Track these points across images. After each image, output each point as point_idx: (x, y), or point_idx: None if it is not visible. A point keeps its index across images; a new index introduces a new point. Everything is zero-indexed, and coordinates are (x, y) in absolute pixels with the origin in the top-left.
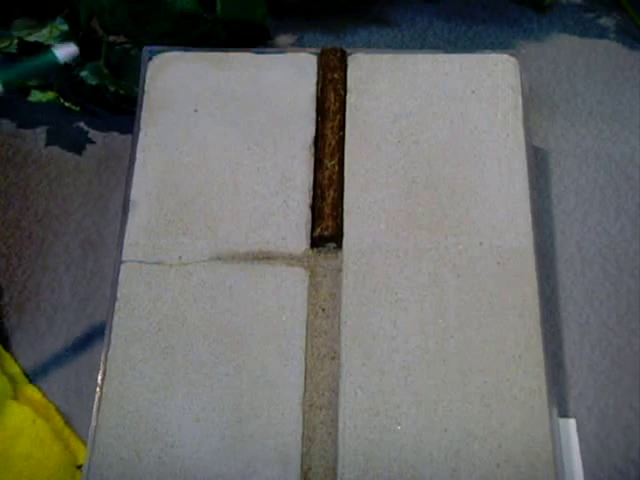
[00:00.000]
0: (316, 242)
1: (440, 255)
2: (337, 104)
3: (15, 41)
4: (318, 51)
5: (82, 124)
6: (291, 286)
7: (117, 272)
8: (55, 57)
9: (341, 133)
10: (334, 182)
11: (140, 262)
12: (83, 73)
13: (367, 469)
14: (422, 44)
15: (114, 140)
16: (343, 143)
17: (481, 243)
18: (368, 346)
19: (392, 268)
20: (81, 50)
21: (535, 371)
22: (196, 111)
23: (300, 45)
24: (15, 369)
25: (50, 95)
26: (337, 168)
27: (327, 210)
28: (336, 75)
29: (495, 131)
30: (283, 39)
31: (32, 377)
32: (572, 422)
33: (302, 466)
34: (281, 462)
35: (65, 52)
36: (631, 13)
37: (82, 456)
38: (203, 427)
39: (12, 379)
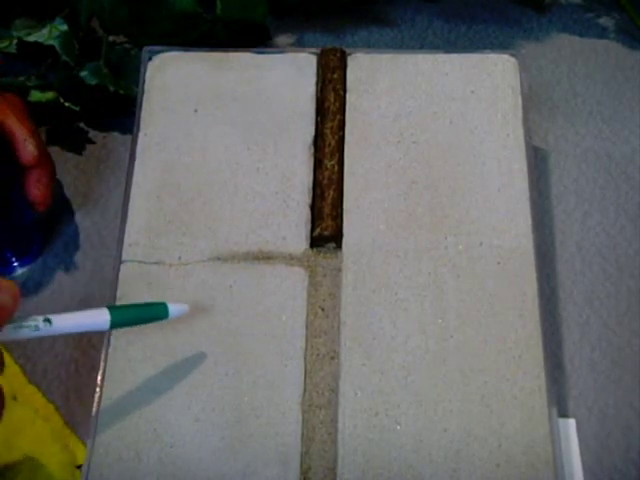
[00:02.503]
0: (316, 242)
1: (440, 255)
2: (337, 104)
3: (15, 41)
4: (318, 51)
5: (82, 124)
6: (291, 286)
7: (117, 272)
8: (166, 313)
9: (341, 133)
10: (334, 182)
11: (140, 262)
12: (83, 73)
13: (367, 469)
14: (422, 44)
15: (114, 140)
16: (343, 143)
17: (481, 243)
18: (368, 346)
19: (392, 268)
20: (81, 50)
21: (535, 371)
22: (196, 111)
23: (300, 45)
24: (15, 369)
25: (50, 95)
26: (337, 168)
27: (327, 210)
28: (336, 75)
29: (495, 131)
30: (283, 39)
31: (32, 377)
32: (572, 422)
33: (302, 466)
34: (281, 462)
35: (177, 310)
36: (631, 13)
37: (82, 456)
38: (203, 427)
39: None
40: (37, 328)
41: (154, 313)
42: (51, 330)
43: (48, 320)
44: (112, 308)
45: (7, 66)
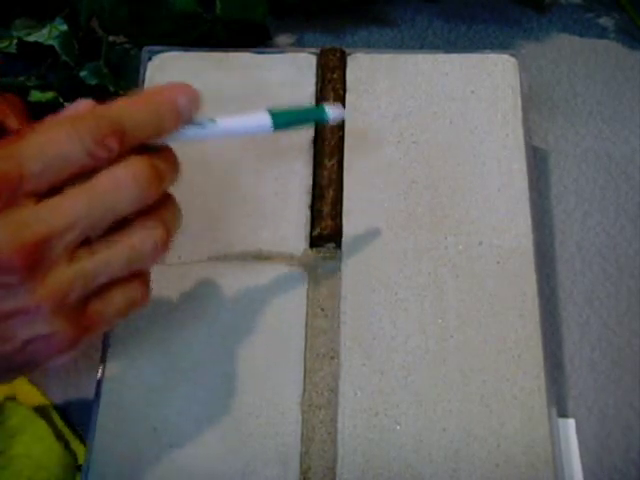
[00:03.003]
0: (315, 242)
1: (440, 255)
2: (337, 104)
3: (15, 41)
4: (318, 51)
5: None
6: (290, 286)
7: None
8: (325, 115)
9: (340, 133)
10: (333, 182)
11: None
12: (83, 73)
13: (366, 469)
14: (422, 44)
15: None
16: (342, 143)
17: (481, 243)
18: (368, 346)
19: (392, 268)
20: (81, 50)
21: (535, 371)
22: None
23: (300, 45)
24: None
25: (50, 95)
26: (336, 168)
27: (326, 210)
28: (335, 75)
29: (495, 131)
30: (283, 39)
31: (31, 376)
32: (571, 422)
33: (301, 466)
34: (280, 462)
35: (336, 113)
36: (631, 13)
37: (82, 456)
38: (203, 427)
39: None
40: (203, 126)
41: (314, 115)
42: (216, 129)
43: (212, 120)
44: (273, 112)
45: (7, 66)
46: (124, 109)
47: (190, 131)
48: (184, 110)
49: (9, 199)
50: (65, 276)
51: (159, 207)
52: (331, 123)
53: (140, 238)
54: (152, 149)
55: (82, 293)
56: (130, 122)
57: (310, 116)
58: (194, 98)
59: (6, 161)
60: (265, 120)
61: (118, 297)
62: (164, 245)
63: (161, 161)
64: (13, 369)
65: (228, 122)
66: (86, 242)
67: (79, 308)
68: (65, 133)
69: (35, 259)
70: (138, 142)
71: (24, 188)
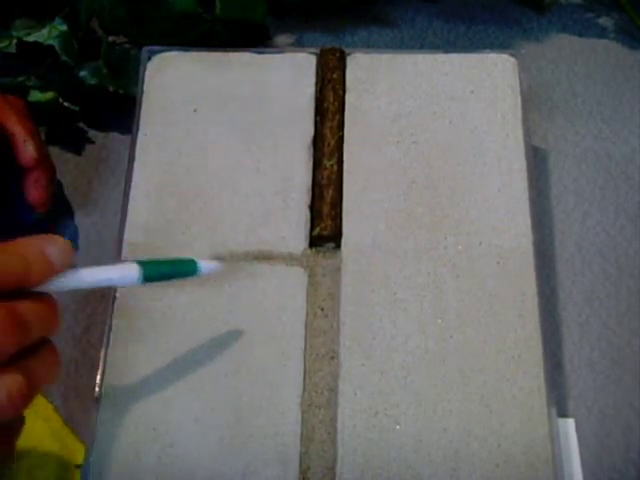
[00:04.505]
0: (315, 242)
1: (439, 255)
2: (336, 104)
3: (15, 41)
4: (317, 51)
5: (82, 124)
6: (290, 286)
7: None
8: (196, 269)
9: (340, 133)
10: (333, 182)
11: None
12: (82, 73)
13: (366, 469)
14: (422, 44)
15: (114, 140)
16: (342, 143)
17: (480, 243)
18: (367, 346)
19: (391, 268)
20: (80, 50)
21: (534, 371)
22: (195, 111)
23: (300, 45)
24: None
25: (50, 95)
26: (336, 168)
27: (326, 210)
28: (335, 75)
29: (494, 131)
30: (283, 39)
31: None
32: (571, 422)
33: (301, 465)
34: (280, 462)
35: (209, 268)
36: (631, 13)
37: (81, 456)
38: (203, 427)
39: None
40: (67, 277)
41: (184, 269)
42: (83, 280)
43: (75, 271)
44: (143, 263)
45: (7, 66)
46: None
47: (55, 283)
48: (55, 260)
49: None
50: None
51: (25, 355)
52: (203, 275)
53: None
54: (28, 294)
55: None
56: None
57: (181, 269)
58: (67, 249)
59: None
60: (133, 271)
61: None
62: (22, 398)
63: (32, 308)
64: None
65: (94, 273)
66: None
67: None
68: None
69: None
70: (2, 289)
71: None
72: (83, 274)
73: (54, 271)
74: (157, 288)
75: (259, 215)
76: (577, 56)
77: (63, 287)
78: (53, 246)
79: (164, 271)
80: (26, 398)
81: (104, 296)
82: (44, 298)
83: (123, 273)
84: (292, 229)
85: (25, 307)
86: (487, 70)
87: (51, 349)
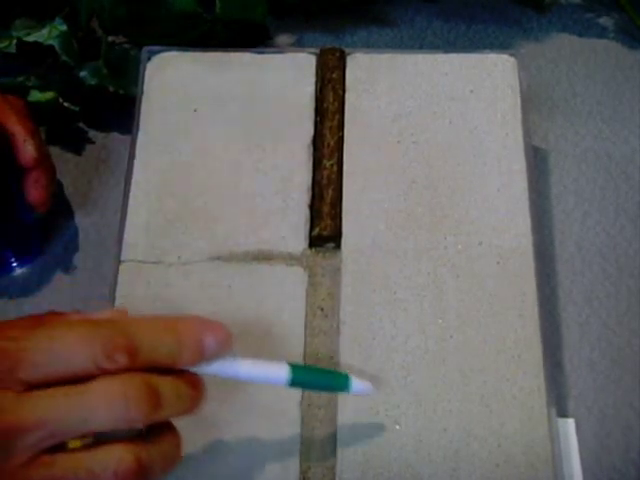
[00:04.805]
0: (315, 242)
1: (439, 255)
2: (336, 104)
3: (15, 41)
4: (317, 51)
5: (82, 124)
6: (290, 286)
7: (116, 272)
8: (348, 386)
9: (340, 133)
10: (333, 182)
11: (139, 262)
12: (82, 73)
13: (366, 469)
14: (421, 44)
15: (114, 140)
16: (342, 143)
17: (480, 243)
18: (367, 346)
19: (391, 268)
20: (80, 50)
21: (534, 371)
22: (195, 111)
23: (300, 45)
24: None
25: (50, 95)
26: (336, 168)
27: (326, 210)
28: (335, 75)
29: (494, 131)
30: (283, 39)
31: None
32: (571, 422)
33: (301, 465)
34: (280, 462)
35: (361, 388)
36: (631, 13)
37: None
38: (203, 427)
39: None
40: (224, 366)
41: (334, 383)
42: (234, 372)
43: (234, 360)
44: (294, 367)
45: (7, 66)
46: (145, 328)
47: (209, 368)
48: (209, 350)
49: (0, 377)
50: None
51: (147, 436)
52: (352, 394)
53: (102, 462)
54: (175, 370)
55: None
56: (147, 343)
57: (331, 382)
58: (224, 340)
59: (11, 342)
60: (283, 373)
61: None
62: (125, 478)
63: (173, 385)
64: None
65: (248, 368)
66: (58, 447)
67: None
68: (77, 336)
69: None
70: (150, 365)
71: (17, 374)
72: (229, 364)
73: (204, 361)
74: (157, 289)
75: (259, 215)
76: (577, 56)
77: (207, 371)
78: (212, 337)
79: (313, 381)
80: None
81: (104, 296)
82: (188, 375)
83: (272, 374)
84: (292, 229)
85: (165, 382)
86: (487, 70)
87: (172, 434)
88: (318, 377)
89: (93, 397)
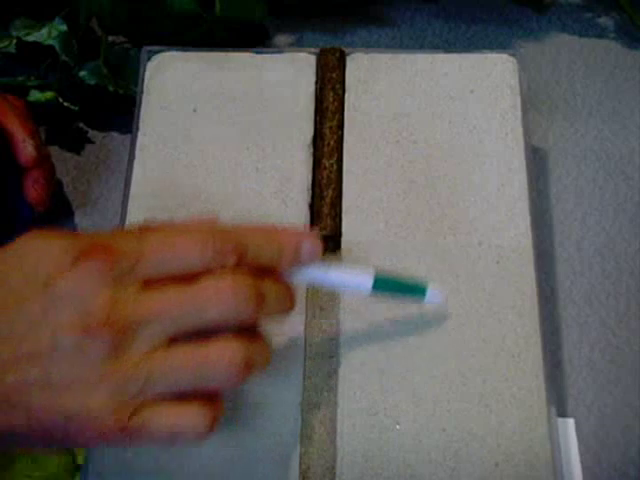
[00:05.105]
0: None
1: (439, 254)
2: (336, 104)
3: (14, 41)
4: (317, 51)
5: (82, 124)
6: None
7: None
8: (424, 295)
9: (340, 133)
10: (333, 181)
11: None
12: (82, 73)
13: (366, 468)
14: (421, 44)
15: (114, 140)
16: (342, 143)
17: (480, 243)
18: (367, 346)
19: (391, 267)
20: (80, 50)
21: (534, 371)
22: (195, 111)
23: (299, 45)
24: None
25: (49, 95)
26: (336, 167)
27: (326, 209)
28: (335, 75)
29: (494, 131)
30: (282, 39)
31: None
32: (571, 421)
33: (301, 465)
34: (280, 461)
35: (433, 299)
36: (630, 13)
37: (82, 456)
38: None
39: None
40: (314, 272)
41: (412, 291)
42: (323, 278)
43: (326, 267)
44: (377, 274)
45: (7, 66)
46: (249, 234)
47: (303, 273)
48: (305, 255)
49: (121, 275)
50: (132, 370)
51: (248, 335)
52: (425, 303)
53: (218, 351)
54: (271, 274)
55: (138, 393)
56: (253, 247)
57: (409, 291)
58: (317, 248)
59: (132, 243)
60: (367, 282)
61: (167, 416)
62: (239, 371)
63: (273, 286)
64: (49, 442)
65: (336, 275)
66: (169, 342)
67: (131, 407)
68: (191, 238)
69: (119, 338)
70: (254, 266)
71: (136, 271)
72: (320, 270)
73: (300, 264)
74: None
75: (259, 215)
76: (577, 56)
77: (301, 277)
78: (308, 243)
79: (394, 287)
80: (242, 373)
81: None
82: (284, 280)
83: (357, 281)
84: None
85: (267, 284)
86: (487, 70)
87: (264, 340)
88: (399, 285)
89: (206, 292)
